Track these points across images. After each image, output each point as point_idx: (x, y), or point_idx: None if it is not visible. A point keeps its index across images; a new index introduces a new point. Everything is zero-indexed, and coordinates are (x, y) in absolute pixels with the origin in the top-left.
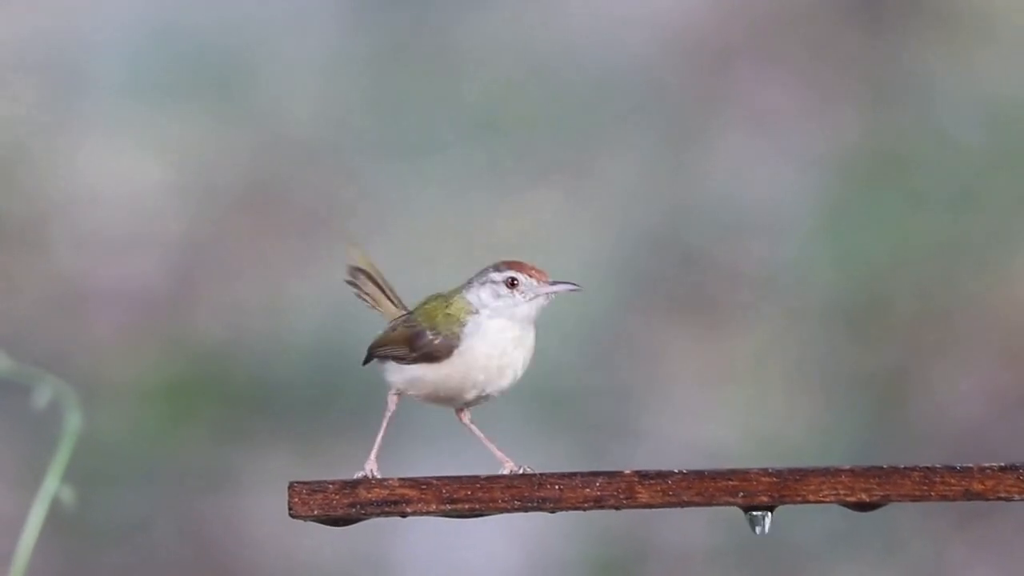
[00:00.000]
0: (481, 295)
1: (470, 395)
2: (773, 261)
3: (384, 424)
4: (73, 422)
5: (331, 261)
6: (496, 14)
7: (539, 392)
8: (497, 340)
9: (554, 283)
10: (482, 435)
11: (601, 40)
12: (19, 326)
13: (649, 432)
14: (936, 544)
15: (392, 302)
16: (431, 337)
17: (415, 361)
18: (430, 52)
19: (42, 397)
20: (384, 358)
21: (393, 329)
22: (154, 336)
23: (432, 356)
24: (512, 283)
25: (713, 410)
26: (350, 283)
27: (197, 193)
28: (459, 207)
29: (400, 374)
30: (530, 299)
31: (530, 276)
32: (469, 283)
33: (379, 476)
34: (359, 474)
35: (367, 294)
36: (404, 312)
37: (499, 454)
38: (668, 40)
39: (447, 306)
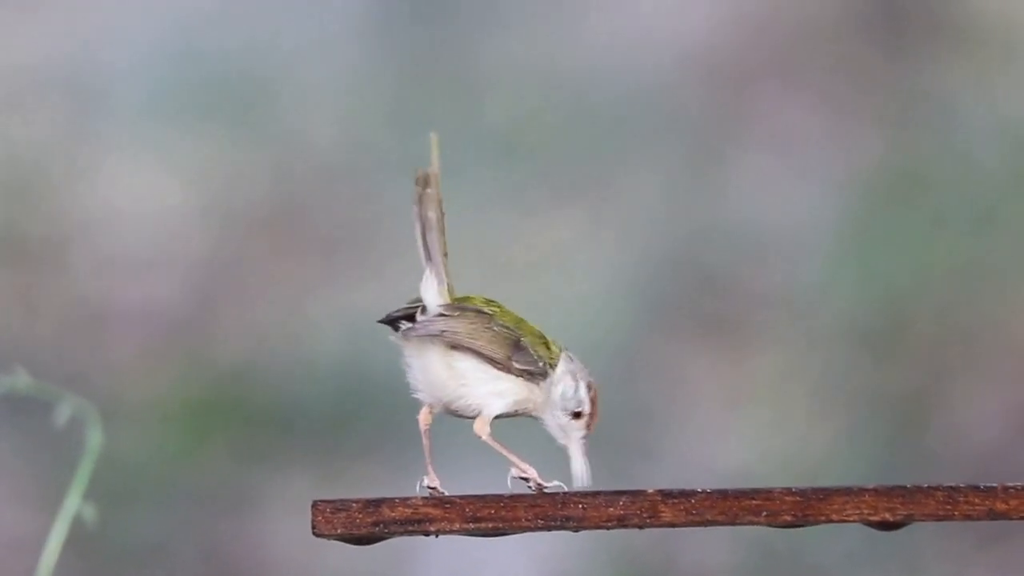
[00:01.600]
0: (564, 380)
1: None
2: (794, 282)
3: (426, 441)
4: (94, 439)
5: (352, 282)
6: (517, 36)
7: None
8: (542, 407)
9: (582, 455)
10: (501, 447)
11: (622, 61)
12: (39, 347)
13: (671, 453)
14: (956, 565)
15: (443, 248)
16: (535, 357)
17: (511, 371)
18: (451, 74)
19: (62, 415)
20: (455, 347)
21: (478, 321)
22: (174, 357)
23: (531, 374)
24: (576, 415)
25: (735, 431)
26: (425, 192)
27: (218, 214)
28: (480, 228)
29: (486, 377)
30: (559, 427)
31: (586, 429)
32: (567, 355)
33: (442, 490)
34: (421, 489)
35: (433, 215)
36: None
37: (523, 464)
38: (689, 61)
39: (545, 340)
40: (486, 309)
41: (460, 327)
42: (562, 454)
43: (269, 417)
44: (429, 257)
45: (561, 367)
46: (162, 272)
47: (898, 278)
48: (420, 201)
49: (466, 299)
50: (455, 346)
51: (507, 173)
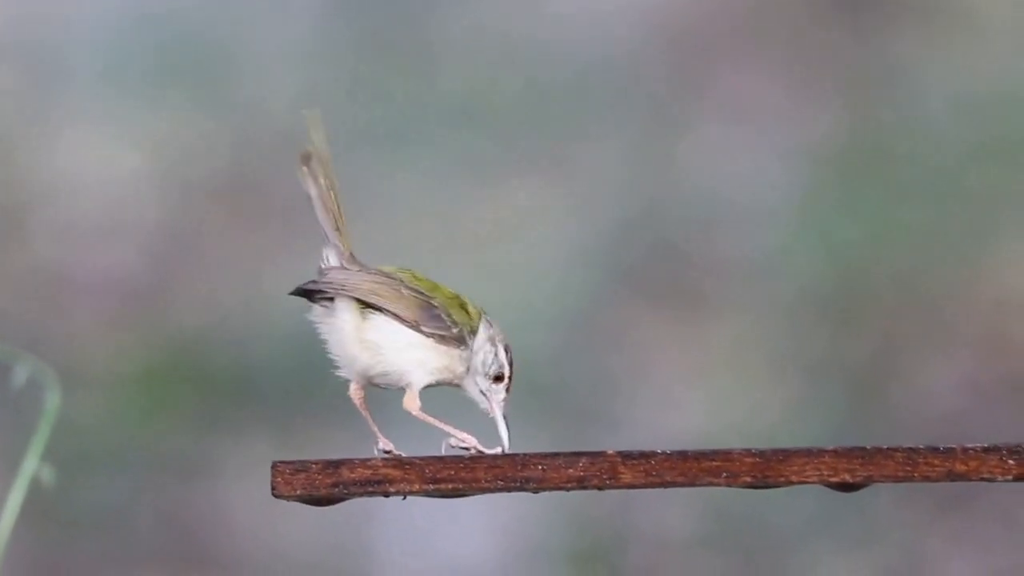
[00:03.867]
0: (484, 348)
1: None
2: (754, 251)
3: (365, 414)
4: (52, 401)
5: (309, 250)
6: (476, 4)
7: (519, 382)
8: (463, 374)
9: (503, 417)
10: (435, 420)
11: (582, 30)
12: None
13: (630, 421)
14: (915, 532)
15: (337, 222)
16: (448, 322)
17: (421, 332)
18: (410, 41)
19: (20, 376)
20: (364, 307)
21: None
22: (132, 324)
23: (445, 340)
24: (498, 378)
25: (694, 399)
26: (303, 169)
27: (176, 182)
28: (439, 197)
29: (397, 337)
30: (481, 393)
31: (506, 391)
32: (487, 320)
33: (398, 452)
34: (379, 453)
35: (315, 192)
36: (346, 237)
37: (461, 434)
38: (649, 30)
39: (462, 304)
40: (396, 274)
41: (362, 283)
42: (520, 426)
43: (227, 383)
44: (326, 235)
45: (482, 334)
46: (121, 239)
47: (857, 247)
48: (305, 178)
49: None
50: (364, 315)
51: (465, 142)
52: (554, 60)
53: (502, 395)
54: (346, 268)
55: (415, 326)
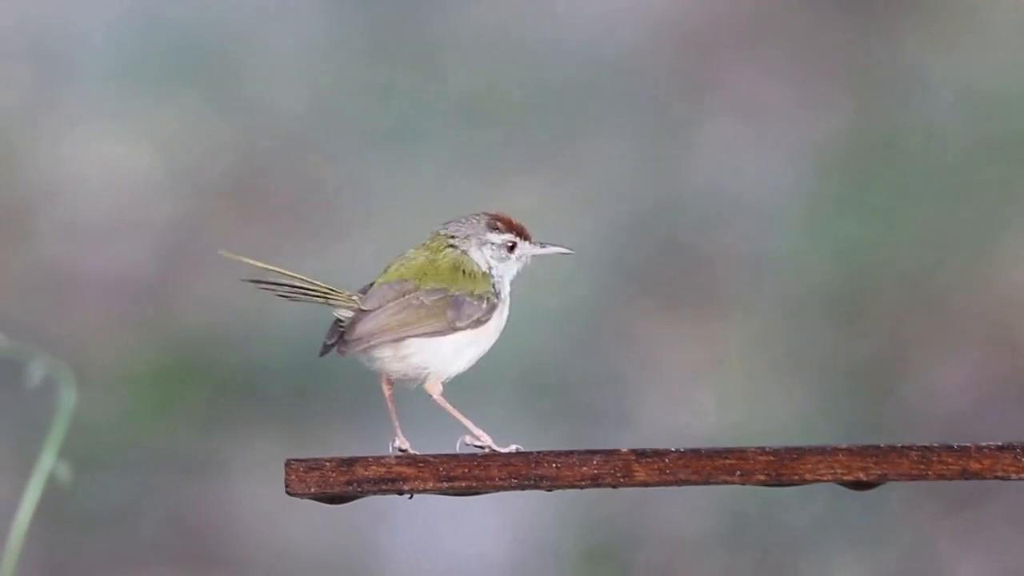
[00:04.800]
0: (487, 256)
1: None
2: (762, 250)
3: (391, 406)
4: (68, 399)
5: (317, 247)
6: (483, 3)
7: (527, 380)
8: (510, 303)
9: (545, 244)
10: (454, 410)
11: (588, 29)
12: (5, 312)
13: (639, 420)
14: (927, 531)
15: (318, 290)
16: (476, 303)
17: (456, 330)
18: (416, 41)
19: (35, 375)
20: (396, 341)
21: (407, 305)
22: (142, 323)
23: (480, 321)
24: (511, 247)
25: (703, 398)
26: (262, 287)
27: (183, 180)
28: (445, 195)
29: (440, 350)
30: (520, 261)
31: (525, 240)
32: (465, 238)
33: (413, 450)
34: (394, 451)
35: (289, 293)
36: (339, 293)
37: (477, 430)
38: (657, 29)
39: (458, 267)
40: (404, 282)
41: (390, 322)
42: (529, 425)
43: (237, 381)
44: (322, 298)
45: (478, 268)
46: (130, 239)
47: (865, 245)
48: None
49: (384, 275)
50: (399, 345)
51: (473, 140)
52: (561, 59)
53: (527, 244)
54: (365, 313)
55: (450, 330)
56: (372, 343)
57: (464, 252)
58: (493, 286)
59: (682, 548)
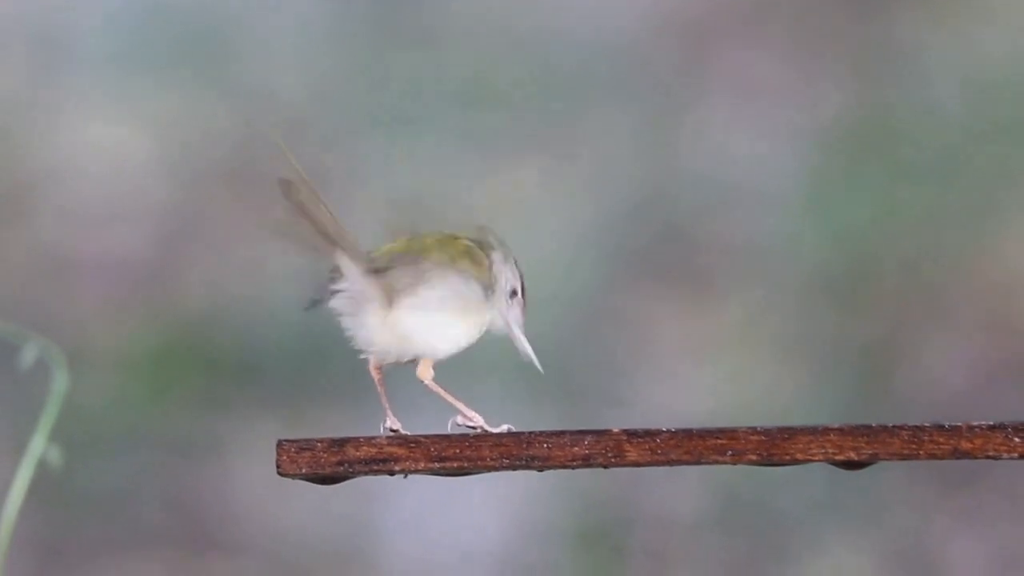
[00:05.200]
0: (501, 271)
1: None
2: (760, 233)
3: (381, 389)
4: (60, 382)
5: None
6: None
7: (519, 362)
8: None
9: (523, 334)
10: (445, 393)
11: (589, 12)
12: (1, 296)
13: (635, 403)
14: (920, 511)
15: (333, 222)
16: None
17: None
18: (414, 24)
19: (28, 357)
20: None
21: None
22: (139, 306)
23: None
24: (512, 293)
25: (699, 380)
26: (287, 196)
27: (181, 164)
28: (442, 180)
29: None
30: (498, 311)
31: (522, 308)
32: (492, 247)
33: (404, 431)
34: (385, 432)
35: (312, 216)
36: (353, 240)
37: (469, 412)
38: (656, 13)
39: (470, 254)
40: (411, 253)
41: (416, 276)
42: (525, 408)
43: (233, 364)
44: (335, 243)
45: (496, 263)
46: (128, 222)
47: (863, 228)
48: (296, 206)
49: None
50: (392, 304)
51: (471, 124)
52: (560, 42)
53: (516, 310)
54: (376, 270)
55: (487, 286)
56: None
57: (485, 247)
58: (492, 286)
59: (675, 529)
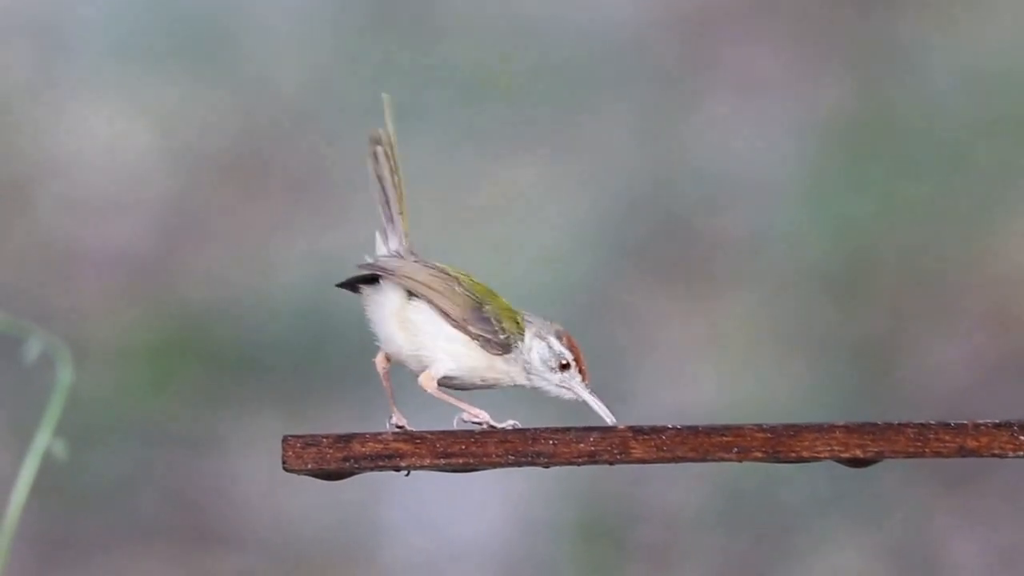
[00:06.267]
0: (534, 345)
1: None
2: (761, 227)
3: (386, 384)
4: (65, 376)
5: (316, 224)
6: None
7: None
8: (527, 378)
9: (592, 393)
10: (449, 397)
11: (587, 7)
12: (3, 287)
13: (636, 397)
14: (924, 509)
15: (401, 206)
16: (497, 329)
17: (467, 333)
18: (416, 17)
19: (33, 351)
20: (411, 295)
21: (440, 277)
22: (139, 298)
23: (491, 345)
24: (564, 367)
25: (702, 375)
26: (373, 151)
27: (182, 156)
28: (444, 173)
29: (440, 331)
30: (558, 386)
31: (580, 374)
32: (527, 319)
33: (410, 427)
34: (391, 428)
35: (384, 174)
36: (406, 224)
37: (474, 409)
38: (657, 6)
39: (504, 305)
40: (452, 272)
41: (418, 275)
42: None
43: (235, 358)
44: (389, 218)
45: (528, 334)
46: (129, 214)
47: (864, 223)
48: (373, 159)
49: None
50: (411, 297)
51: (471, 117)
52: (561, 36)
53: (578, 379)
54: (402, 257)
55: (462, 325)
56: (393, 277)
57: (526, 320)
58: (522, 339)
59: (679, 525)
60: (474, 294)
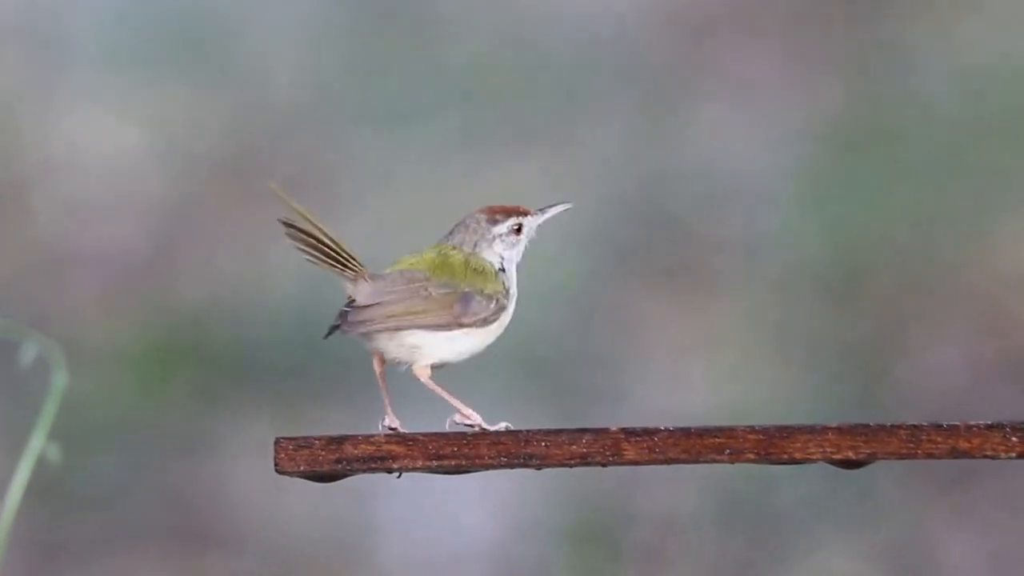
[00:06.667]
0: (498, 251)
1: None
2: (754, 230)
3: (382, 384)
4: (59, 380)
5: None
6: None
7: (518, 359)
8: (517, 297)
9: (545, 209)
10: (443, 391)
11: (583, 9)
12: None
13: (630, 399)
14: (917, 511)
15: (340, 255)
16: (485, 302)
17: (462, 327)
18: (411, 19)
19: (28, 355)
20: (398, 329)
21: (414, 294)
22: (134, 301)
23: (487, 321)
24: (518, 230)
25: (694, 377)
26: (289, 234)
27: (177, 158)
28: (439, 174)
29: (440, 345)
30: (528, 236)
31: (527, 215)
32: (474, 243)
33: (403, 430)
34: (384, 430)
35: (309, 245)
36: (357, 267)
37: (466, 410)
38: (649, 9)
39: (469, 264)
40: (416, 272)
41: (396, 309)
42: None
43: (229, 359)
44: (342, 271)
45: (498, 272)
46: (122, 216)
47: (857, 225)
48: (297, 241)
49: (396, 264)
50: (399, 329)
51: (466, 119)
52: (556, 38)
53: (533, 220)
54: (377, 302)
55: (455, 325)
56: (374, 327)
57: (474, 252)
58: (504, 284)
59: (672, 527)
60: (449, 285)
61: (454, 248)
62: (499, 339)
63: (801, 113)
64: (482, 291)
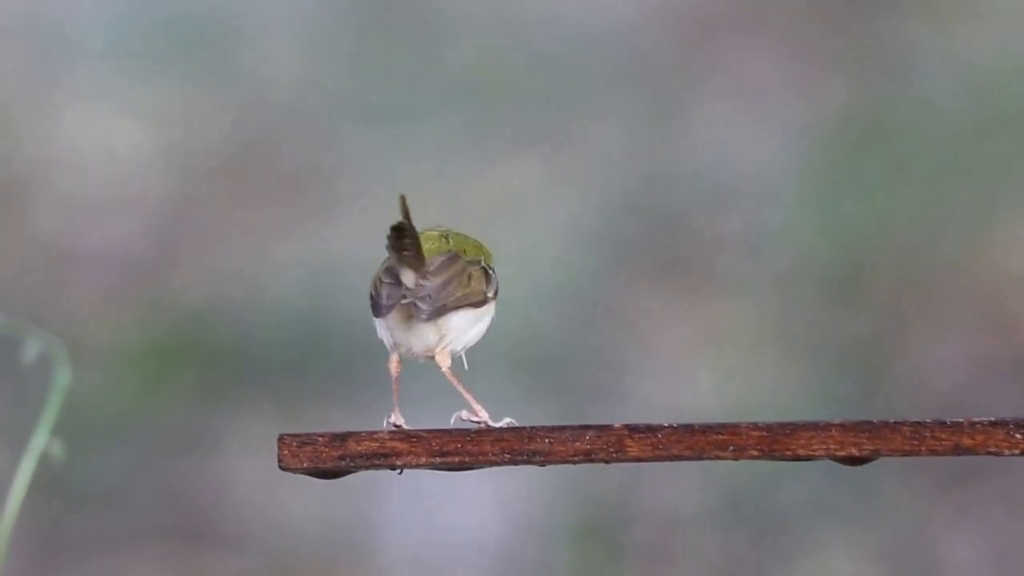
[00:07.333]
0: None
1: None
2: (756, 228)
3: (395, 386)
4: (63, 376)
5: (312, 225)
6: None
7: (519, 358)
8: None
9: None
10: (459, 384)
11: (584, 8)
12: (0, 288)
13: (632, 397)
14: (921, 508)
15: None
16: (494, 274)
17: (488, 301)
18: (413, 18)
19: (31, 351)
20: (458, 308)
21: (462, 272)
22: (135, 299)
23: (496, 293)
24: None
25: (696, 376)
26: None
27: (178, 157)
28: (440, 173)
29: (473, 325)
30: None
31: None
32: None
33: (407, 428)
34: (388, 427)
35: (405, 249)
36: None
37: (476, 405)
38: (651, 8)
39: (469, 239)
40: (451, 248)
41: (457, 291)
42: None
43: (230, 358)
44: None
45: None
46: (124, 214)
47: (859, 223)
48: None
49: (424, 236)
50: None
51: (468, 118)
52: (557, 37)
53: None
54: (433, 284)
55: (484, 300)
56: (451, 304)
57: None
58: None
59: (675, 524)
60: (477, 261)
61: (441, 228)
62: (500, 339)
63: (803, 111)
64: (491, 266)
